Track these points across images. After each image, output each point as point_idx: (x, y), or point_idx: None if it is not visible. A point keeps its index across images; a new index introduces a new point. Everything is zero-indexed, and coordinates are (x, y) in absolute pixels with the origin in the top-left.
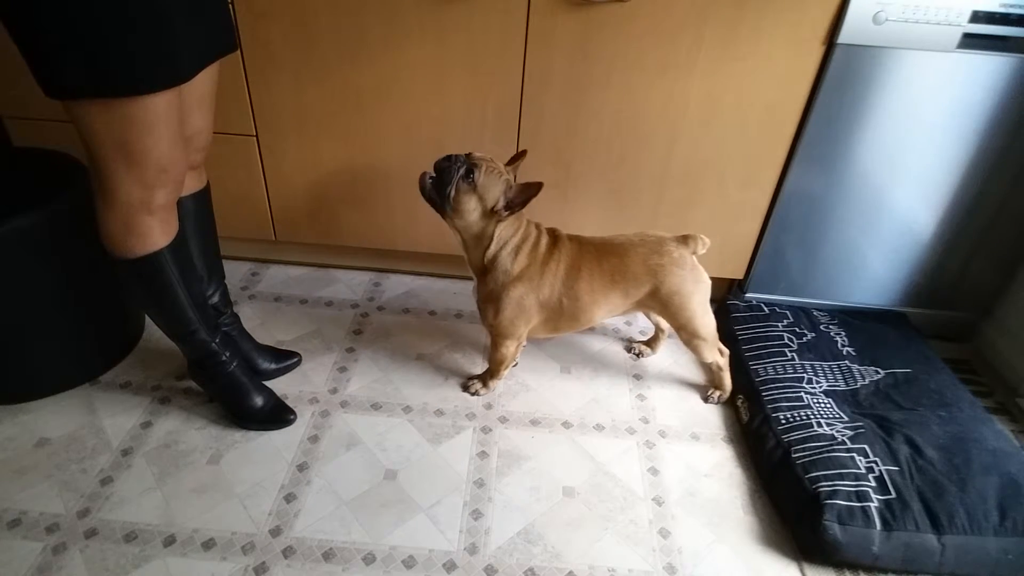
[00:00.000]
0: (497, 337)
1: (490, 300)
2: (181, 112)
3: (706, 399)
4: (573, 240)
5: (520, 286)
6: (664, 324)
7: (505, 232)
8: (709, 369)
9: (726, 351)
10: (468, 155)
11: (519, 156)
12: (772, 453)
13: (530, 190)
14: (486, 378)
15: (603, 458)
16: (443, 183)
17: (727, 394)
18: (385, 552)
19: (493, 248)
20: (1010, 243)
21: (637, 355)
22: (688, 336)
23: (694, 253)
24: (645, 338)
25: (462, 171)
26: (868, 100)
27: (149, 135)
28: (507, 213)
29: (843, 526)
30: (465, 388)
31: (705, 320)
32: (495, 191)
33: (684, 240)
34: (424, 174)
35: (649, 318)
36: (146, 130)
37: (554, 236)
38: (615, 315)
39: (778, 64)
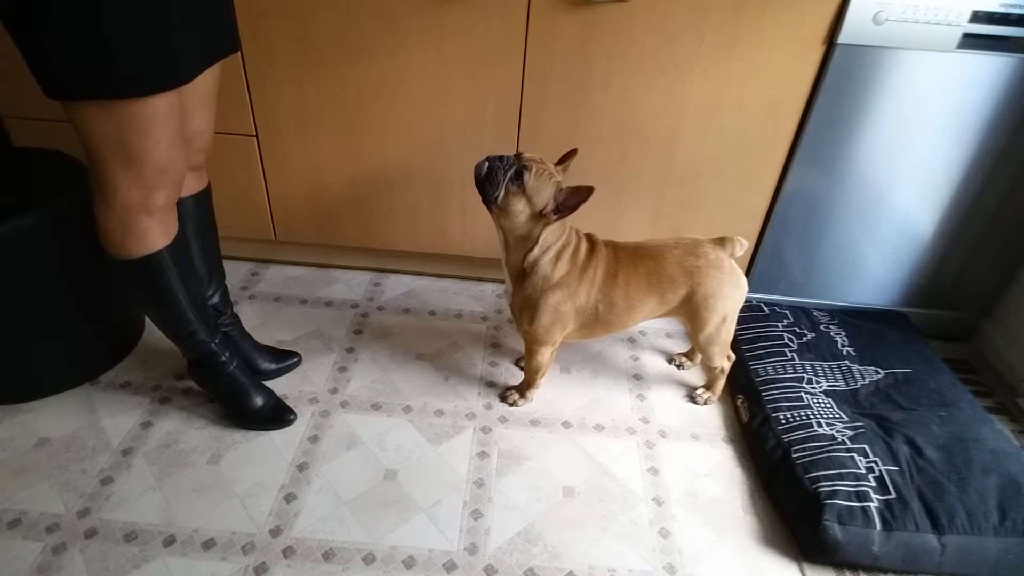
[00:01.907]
0: (532, 344)
1: (526, 307)
2: (181, 113)
3: (693, 398)
4: (609, 246)
5: (558, 292)
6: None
7: (551, 236)
8: (712, 372)
9: (733, 356)
10: (518, 155)
11: (569, 155)
12: (772, 453)
13: (581, 194)
14: (523, 388)
15: (603, 458)
16: (493, 183)
17: (716, 398)
18: (385, 552)
19: (536, 252)
20: (1010, 243)
21: (679, 366)
22: (707, 342)
23: (732, 255)
24: (682, 349)
25: (511, 172)
26: (868, 100)
27: (149, 136)
28: (556, 217)
29: (843, 526)
30: (503, 399)
31: (731, 328)
32: (545, 194)
33: (721, 242)
34: (481, 163)
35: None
36: (146, 131)
37: (592, 242)
38: (650, 319)
39: (778, 64)
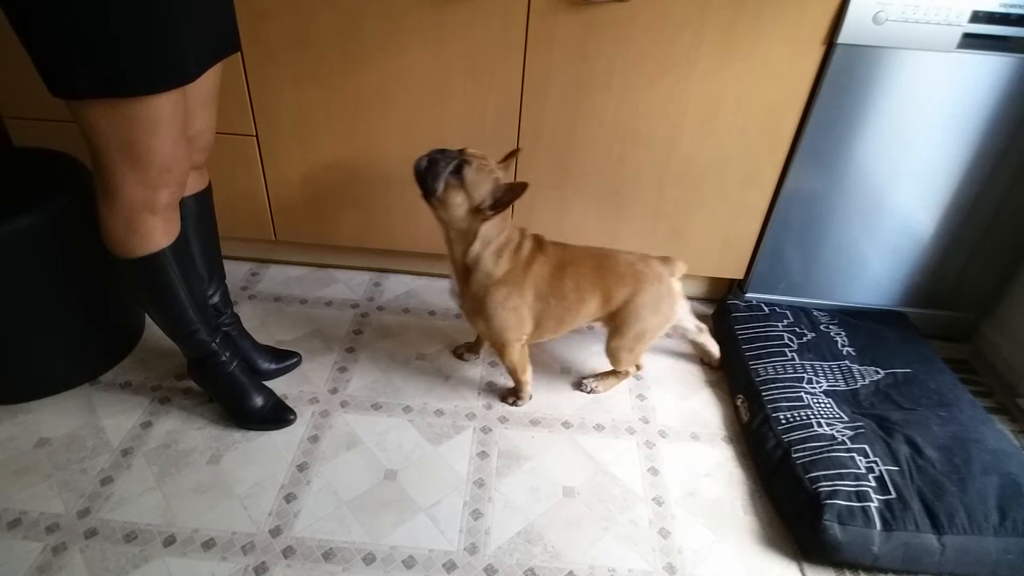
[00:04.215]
0: (496, 346)
1: (478, 309)
2: (185, 112)
3: (579, 385)
4: (557, 245)
5: (503, 289)
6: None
7: (491, 232)
8: (613, 371)
9: (642, 367)
10: (461, 151)
11: (512, 153)
12: (772, 453)
13: (516, 191)
14: (515, 391)
15: (603, 458)
16: (433, 175)
17: (603, 391)
18: (385, 552)
19: (477, 247)
20: (1010, 243)
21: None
22: (618, 347)
23: (671, 275)
24: (683, 349)
25: (452, 166)
26: (868, 100)
27: (154, 135)
28: (492, 212)
29: (843, 526)
30: (503, 399)
31: (647, 343)
32: (483, 189)
33: (665, 260)
34: (422, 157)
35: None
36: (151, 130)
37: (537, 240)
38: (588, 321)
39: (778, 64)
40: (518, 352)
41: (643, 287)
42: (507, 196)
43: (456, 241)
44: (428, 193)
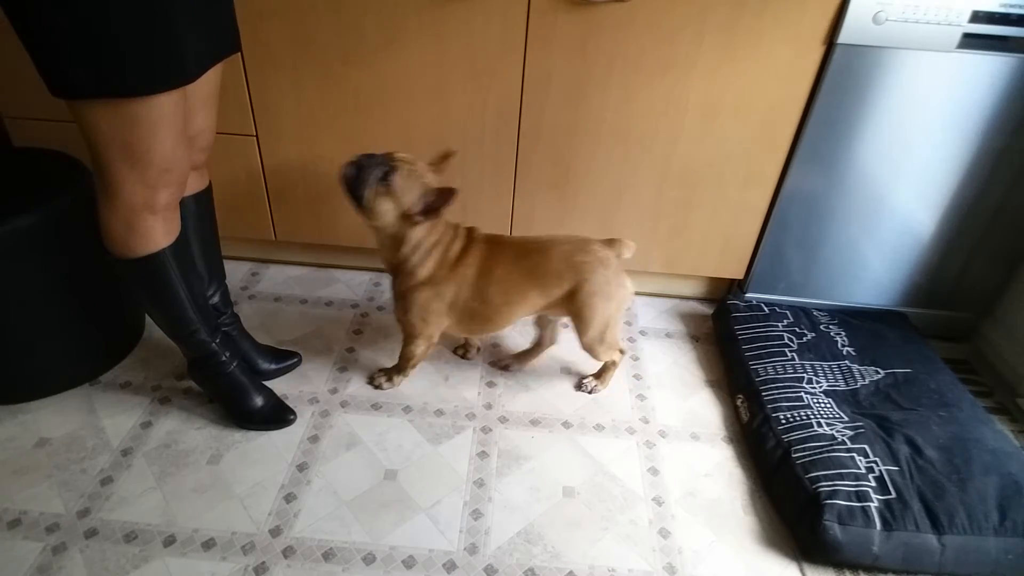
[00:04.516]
0: (406, 335)
1: (399, 299)
2: (185, 112)
3: (580, 386)
4: (490, 241)
5: (426, 291)
6: (550, 337)
7: (420, 234)
8: (604, 366)
9: (624, 351)
10: (389, 154)
11: (447, 155)
12: (772, 453)
13: (444, 197)
14: (392, 373)
15: (603, 458)
16: (360, 182)
17: (604, 388)
18: (385, 552)
19: (406, 250)
20: (1010, 243)
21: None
22: (591, 341)
23: (619, 256)
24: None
25: (380, 173)
26: (868, 100)
27: (154, 135)
28: (421, 219)
29: (843, 526)
30: (370, 380)
31: (616, 328)
32: (411, 195)
33: (610, 243)
34: (350, 164)
35: (543, 329)
36: (151, 130)
37: (469, 238)
38: (534, 314)
39: (778, 64)
40: (423, 348)
41: (587, 277)
42: (437, 202)
43: (387, 247)
44: (357, 202)
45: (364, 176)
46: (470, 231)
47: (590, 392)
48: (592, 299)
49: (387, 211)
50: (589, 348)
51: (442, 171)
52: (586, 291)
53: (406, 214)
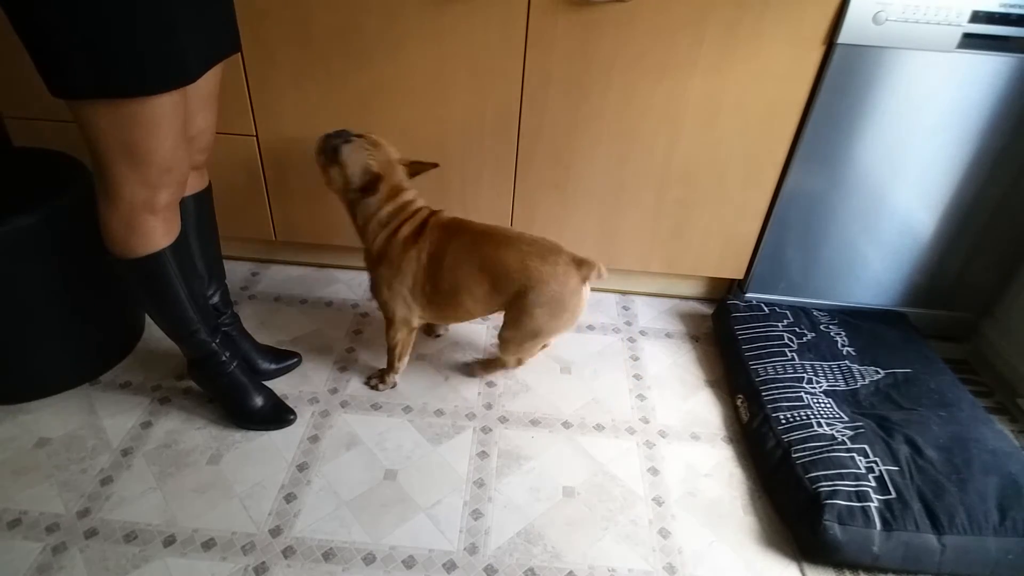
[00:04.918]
0: (385, 320)
1: (369, 274)
2: (185, 112)
3: (473, 371)
4: (448, 226)
5: (383, 267)
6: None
7: (370, 208)
8: (497, 361)
9: (523, 364)
10: (360, 134)
11: (423, 166)
12: (772, 453)
13: (371, 182)
14: (384, 372)
15: (603, 458)
16: (322, 148)
17: (486, 377)
18: (385, 552)
19: (359, 220)
20: (1010, 243)
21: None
22: (508, 340)
23: (585, 280)
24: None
25: (337, 143)
26: (868, 100)
27: (154, 135)
28: (358, 194)
29: (843, 526)
30: (367, 382)
31: (538, 346)
32: (354, 169)
33: (580, 262)
34: (324, 135)
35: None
36: (151, 130)
37: (427, 220)
38: (491, 311)
39: (778, 64)
40: (403, 334)
41: (535, 286)
42: (369, 184)
43: (348, 213)
44: (319, 162)
45: (326, 144)
46: (432, 214)
47: (471, 375)
48: (535, 308)
49: (334, 178)
50: (504, 342)
51: (413, 173)
52: (531, 298)
53: (347, 185)
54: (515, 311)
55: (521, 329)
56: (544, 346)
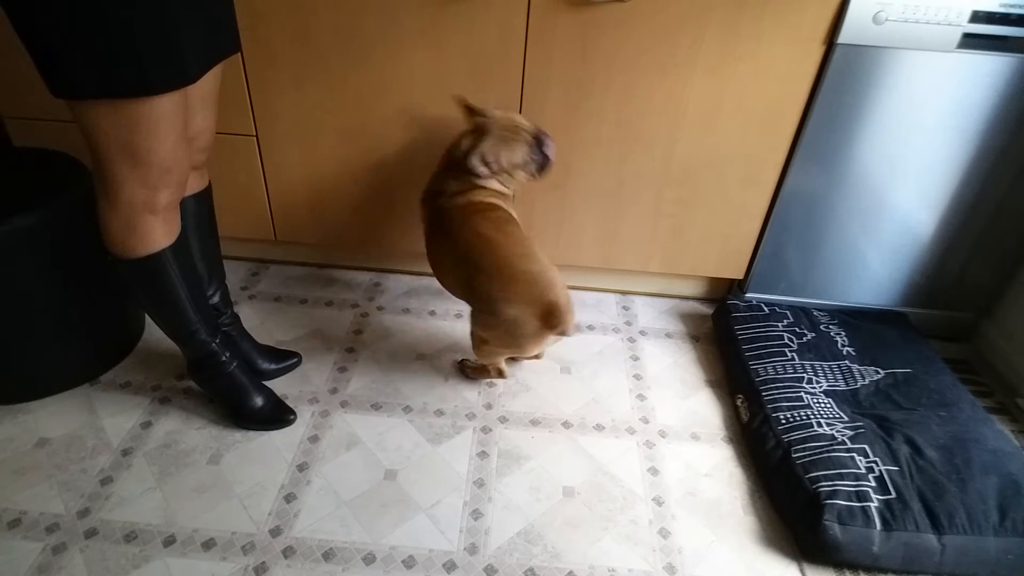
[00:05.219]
0: None
1: None
2: (186, 113)
3: (462, 368)
4: (460, 208)
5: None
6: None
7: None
8: (479, 365)
9: (504, 375)
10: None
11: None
12: (772, 453)
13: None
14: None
15: (603, 458)
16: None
17: (470, 376)
18: (385, 552)
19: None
20: (1010, 243)
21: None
22: (472, 337)
23: (548, 327)
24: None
25: (544, 155)
26: (868, 100)
27: (154, 136)
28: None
29: (843, 526)
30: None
31: (499, 358)
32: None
33: (550, 307)
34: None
35: None
36: (152, 131)
37: (427, 194)
38: (466, 298)
39: (778, 64)
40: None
41: (503, 309)
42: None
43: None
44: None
45: (542, 162)
46: (437, 192)
47: (460, 369)
48: (490, 319)
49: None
50: (471, 335)
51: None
52: (496, 309)
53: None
54: (477, 313)
55: (474, 325)
56: (537, 356)
